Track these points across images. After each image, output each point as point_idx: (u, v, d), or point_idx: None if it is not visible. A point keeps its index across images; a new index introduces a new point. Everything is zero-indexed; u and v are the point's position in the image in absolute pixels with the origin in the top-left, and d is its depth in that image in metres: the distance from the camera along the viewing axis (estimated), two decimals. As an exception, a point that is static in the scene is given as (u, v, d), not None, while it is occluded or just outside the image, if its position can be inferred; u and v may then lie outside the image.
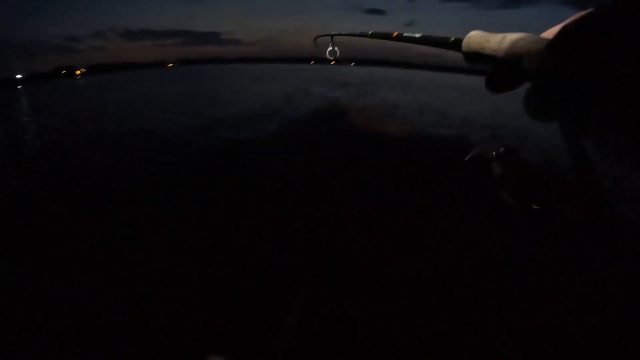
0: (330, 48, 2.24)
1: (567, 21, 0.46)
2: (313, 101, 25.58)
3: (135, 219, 6.73)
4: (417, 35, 0.97)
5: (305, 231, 6.34)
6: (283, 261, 5.31)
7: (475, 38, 0.66)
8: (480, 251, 5.19)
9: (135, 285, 4.74)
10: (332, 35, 2.19)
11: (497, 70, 0.60)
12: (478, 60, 0.64)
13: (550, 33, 0.53)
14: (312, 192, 8.10)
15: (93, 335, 3.88)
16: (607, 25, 0.40)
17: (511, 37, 0.56)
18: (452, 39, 0.76)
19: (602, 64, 0.41)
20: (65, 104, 31.02)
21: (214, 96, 31.57)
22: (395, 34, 1.15)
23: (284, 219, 6.82)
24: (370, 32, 1.39)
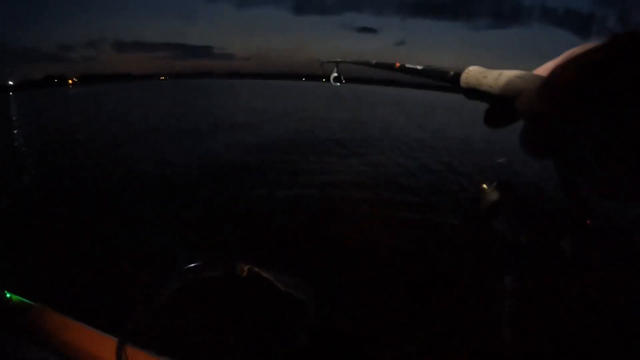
0: (335, 74, 2.28)
1: (560, 58, 0.49)
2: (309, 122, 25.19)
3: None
4: (419, 67, 1.00)
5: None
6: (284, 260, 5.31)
7: (473, 73, 0.68)
8: (480, 251, 5.18)
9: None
10: (337, 62, 2.26)
11: (494, 106, 0.62)
12: (475, 95, 0.67)
13: (545, 69, 0.55)
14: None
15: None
16: (607, 66, 0.40)
17: (507, 74, 0.58)
18: (452, 72, 0.78)
19: (596, 106, 0.40)
20: (57, 114, 30.68)
21: (203, 112, 31.11)
22: (398, 65, 1.19)
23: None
24: (374, 62, 1.41)
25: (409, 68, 1.12)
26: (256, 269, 4.83)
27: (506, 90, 0.56)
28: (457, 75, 0.72)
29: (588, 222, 0.62)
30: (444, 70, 0.82)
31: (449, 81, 0.78)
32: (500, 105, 0.58)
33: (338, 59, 2.25)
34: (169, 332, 3.98)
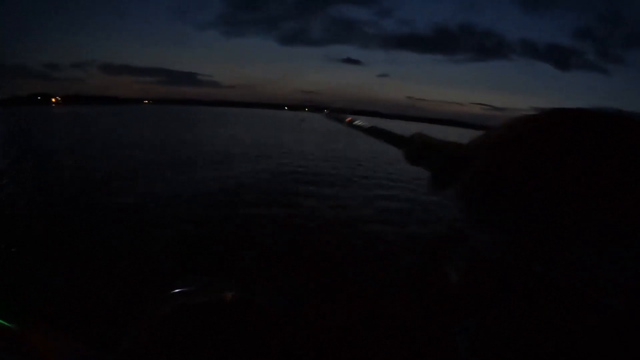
0: (327, 112, 2.56)
1: (497, 132, 0.51)
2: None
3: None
4: (367, 125, 1.05)
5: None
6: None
7: (418, 139, 0.71)
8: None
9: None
10: (331, 109, 2.52)
11: (437, 173, 0.66)
12: (418, 161, 0.70)
13: (484, 139, 0.56)
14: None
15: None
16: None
17: (449, 144, 0.62)
18: (398, 136, 0.81)
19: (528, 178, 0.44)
20: (37, 130, 30.18)
21: (184, 141, 30.75)
22: (349, 119, 1.28)
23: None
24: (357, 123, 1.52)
25: (356, 125, 1.20)
26: (241, 294, 4.77)
27: (447, 159, 0.59)
28: (403, 139, 0.74)
29: None
30: (391, 132, 0.86)
31: (394, 143, 0.81)
32: (442, 173, 0.61)
33: (333, 107, 2.51)
34: None
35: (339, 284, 5.25)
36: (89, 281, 5.08)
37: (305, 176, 15.35)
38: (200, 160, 17.74)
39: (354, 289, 5.12)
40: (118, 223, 7.89)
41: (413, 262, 5.45)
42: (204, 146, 24.08)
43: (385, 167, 18.61)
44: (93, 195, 10.35)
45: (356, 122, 1.19)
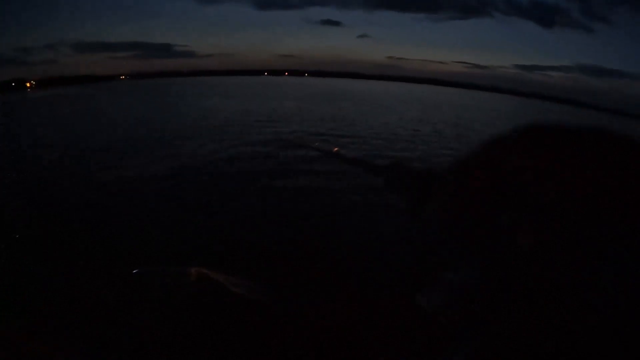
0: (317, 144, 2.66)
1: (462, 158, 0.52)
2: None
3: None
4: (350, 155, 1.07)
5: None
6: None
7: (396, 167, 0.74)
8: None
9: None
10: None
11: (414, 199, 0.67)
12: (398, 189, 0.72)
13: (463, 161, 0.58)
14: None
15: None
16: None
17: (425, 171, 0.65)
18: (379, 166, 0.84)
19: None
20: (15, 120, 29.30)
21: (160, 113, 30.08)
22: (336, 149, 1.35)
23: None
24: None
25: (341, 154, 1.26)
26: (206, 272, 4.90)
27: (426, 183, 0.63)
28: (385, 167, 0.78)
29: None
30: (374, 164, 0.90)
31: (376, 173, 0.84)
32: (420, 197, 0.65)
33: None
34: (119, 339, 3.95)
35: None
36: (89, 281, 5.11)
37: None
38: (190, 136, 17.61)
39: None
40: (113, 219, 7.87)
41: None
42: (190, 121, 23.77)
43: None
44: (83, 188, 10.22)
45: (341, 152, 1.24)
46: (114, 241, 6.45)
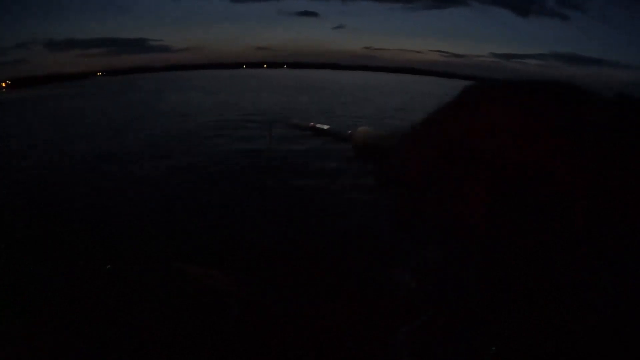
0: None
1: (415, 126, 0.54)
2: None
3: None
4: (325, 127, 1.09)
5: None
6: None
7: (361, 133, 0.74)
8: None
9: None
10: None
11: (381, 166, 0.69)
12: (362, 153, 0.73)
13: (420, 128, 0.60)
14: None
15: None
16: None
17: (387, 136, 0.65)
18: (348, 132, 0.85)
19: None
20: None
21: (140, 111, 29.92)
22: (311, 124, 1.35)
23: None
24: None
25: (318, 128, 1.28)
26: (203, 270, 4.91)
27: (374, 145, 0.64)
28: (349, 135, 0.79)
29: None
30: (340, 131, 0.92)
31: (344, 139, 0.86)
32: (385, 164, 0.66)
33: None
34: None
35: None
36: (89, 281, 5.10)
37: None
38: (175, 135, 17.56)
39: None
40: (112, 219, 7.85)
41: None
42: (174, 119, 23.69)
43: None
44: (82, 188, 10.19)
45: (317, 125, 1.25)
46: (113, 241, 6.44)
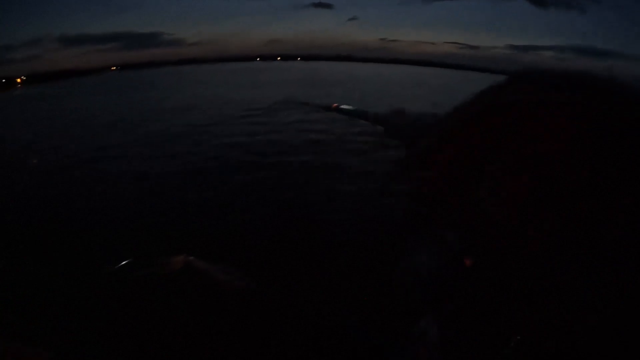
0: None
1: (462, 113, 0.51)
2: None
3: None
4: (348, 107, 1.08)
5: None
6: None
7: (385, 115, 0.73)
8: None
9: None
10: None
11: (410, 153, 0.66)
12: (388, 133, 0.71)
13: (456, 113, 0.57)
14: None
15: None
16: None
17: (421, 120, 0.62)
18: (373, 113, 0.85)
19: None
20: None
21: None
22: (334, 105, 1.31)
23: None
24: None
25: (342, 109, 1.27)
26: (191, 259, 4.89)
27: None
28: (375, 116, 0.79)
29: None
30: (366, 111, 0.91)
31: (371, 120, 0.84)
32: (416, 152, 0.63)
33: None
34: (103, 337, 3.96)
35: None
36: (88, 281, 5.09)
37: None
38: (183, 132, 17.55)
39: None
40: (111, 218, 7.85)
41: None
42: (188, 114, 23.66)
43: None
44: (81, 188, 10.21)
45: (342, 107, 1.23)
46: (113, 241, 6.44)
